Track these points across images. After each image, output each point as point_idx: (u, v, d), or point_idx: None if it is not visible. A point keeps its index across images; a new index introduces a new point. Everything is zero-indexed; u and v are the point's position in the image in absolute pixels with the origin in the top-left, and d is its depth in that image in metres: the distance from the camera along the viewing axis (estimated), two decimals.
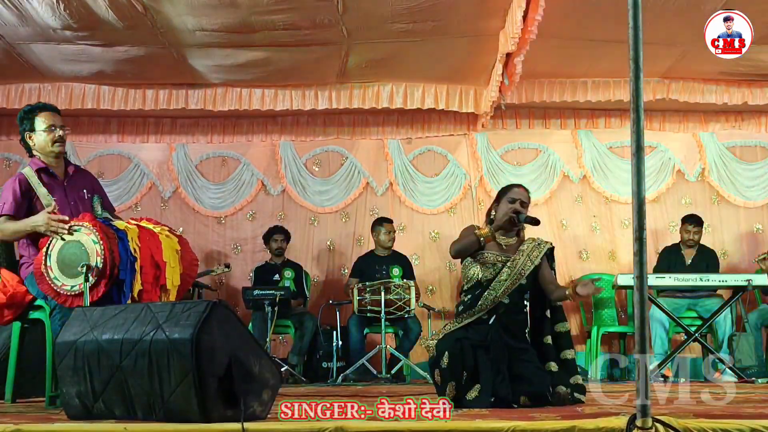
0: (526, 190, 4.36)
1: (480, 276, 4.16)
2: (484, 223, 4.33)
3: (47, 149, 4.35)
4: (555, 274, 4.31)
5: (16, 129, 7.76)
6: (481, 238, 4.15)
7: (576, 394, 3.98)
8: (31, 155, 4.43)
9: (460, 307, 4.23)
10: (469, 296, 4.19)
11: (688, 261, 7.63)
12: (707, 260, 7.67)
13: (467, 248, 4.21)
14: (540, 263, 4.18)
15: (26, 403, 4.30)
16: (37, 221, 4.03)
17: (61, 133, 4.35)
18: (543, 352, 4.09)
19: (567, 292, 4.05)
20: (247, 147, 8.73)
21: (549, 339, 4.15)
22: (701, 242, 7.80)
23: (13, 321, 4.25)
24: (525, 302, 4.20)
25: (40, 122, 4.35)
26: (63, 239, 3.90)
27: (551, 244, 4.31)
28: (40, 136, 4.34)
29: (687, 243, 7.71)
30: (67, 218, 4.01)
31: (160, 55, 6.80)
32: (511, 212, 4.16)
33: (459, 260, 4.33)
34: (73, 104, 7.37)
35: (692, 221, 7.74)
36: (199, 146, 8.71)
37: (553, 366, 4.04)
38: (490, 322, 4.07)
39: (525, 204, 4.26)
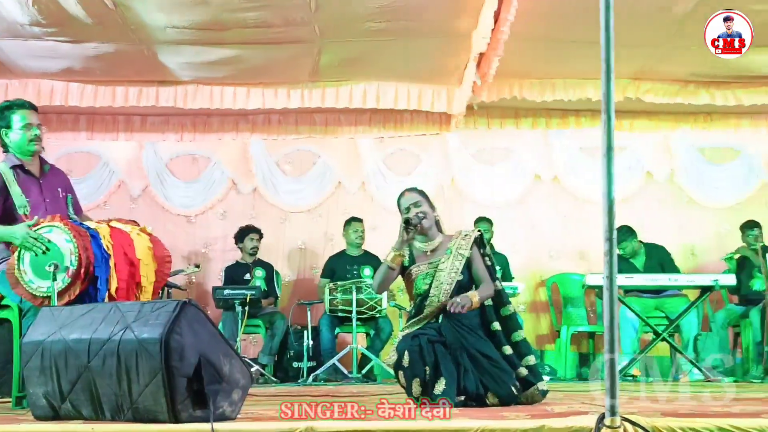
0: (413, 190, 4.27)
1: (420, 290, 4.14)
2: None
3: (24, 148, 4.28)
4: (492, 262, 4.22)
5: None
6: (391, 264, 4.09)
7: (539, 385, 3.96)
8: (6, 151, 4.35)
9: (412, 311, 4.20)
10: (416, 303, 4.17)
11: (640, 266, 7.52)
12: (658, 258, 7.57)
13: (385, 279, 4.16)
14: (471, 254, 4.14)
15: None
16: (15, 234, 3.88)
17: (38, 132, 4.29)
18: (494, 340, 4.05)
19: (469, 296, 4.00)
20: (218, 145, 8.68)
21: (497, 325, 4.10)
22: (645, 242, 7.68)
23: None
24: None
25: (17, 120, 4.27)
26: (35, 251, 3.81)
27: (478, 231, 4.25)
28: (17, 134, 4.28)
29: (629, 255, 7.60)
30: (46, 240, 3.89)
31: (130, 52, 6.74)
32: (403, 223, 4.07)
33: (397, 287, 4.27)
34: (41, 101, 7.21)
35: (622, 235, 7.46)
36: (170, 144, 8.65)
37: (507, 350, 4.01)
38: (440, 320, 4.06)
39: (419, 203, 4.17)
